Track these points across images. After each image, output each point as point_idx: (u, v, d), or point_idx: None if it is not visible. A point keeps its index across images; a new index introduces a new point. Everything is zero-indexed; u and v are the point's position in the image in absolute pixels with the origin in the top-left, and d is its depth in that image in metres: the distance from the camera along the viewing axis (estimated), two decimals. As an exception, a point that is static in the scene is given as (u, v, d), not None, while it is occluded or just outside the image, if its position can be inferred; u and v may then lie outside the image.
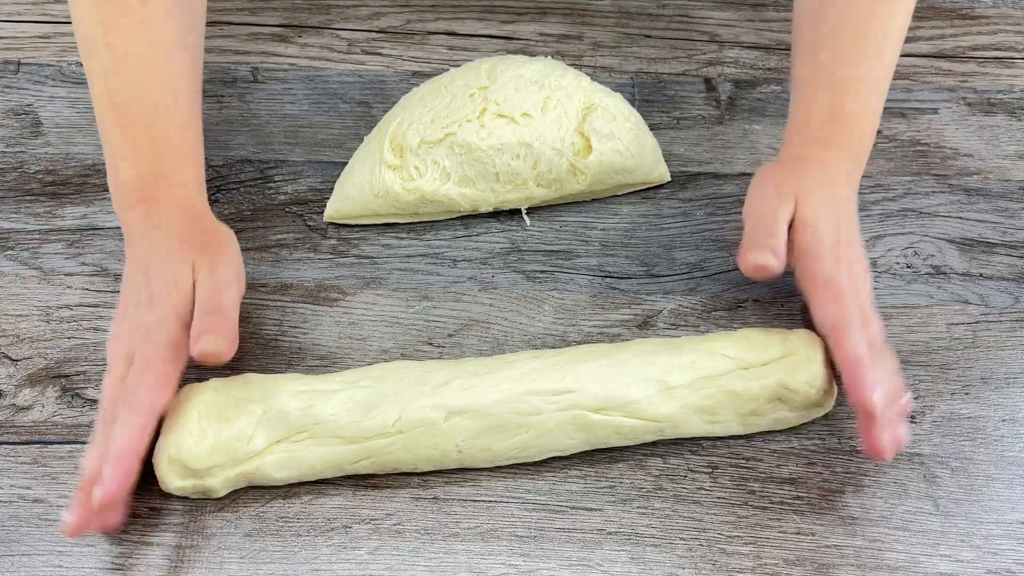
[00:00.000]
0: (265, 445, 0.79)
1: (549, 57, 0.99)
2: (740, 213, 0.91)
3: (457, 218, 0.97)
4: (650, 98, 1.06)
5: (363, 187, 0.94)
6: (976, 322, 0.91)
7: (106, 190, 0.96)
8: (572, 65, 1.08)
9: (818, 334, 0.84)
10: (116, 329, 0.83)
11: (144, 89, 0.87)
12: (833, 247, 0.85)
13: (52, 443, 0.84)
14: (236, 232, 0.94)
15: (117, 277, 0.92)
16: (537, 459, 0.82)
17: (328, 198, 0.97)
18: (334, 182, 0.98)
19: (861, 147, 0.91)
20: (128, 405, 0.78)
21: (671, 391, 0.82)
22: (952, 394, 0.87)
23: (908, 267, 0.95)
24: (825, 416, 0.85)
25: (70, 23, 1.07)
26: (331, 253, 0.95)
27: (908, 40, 1.09)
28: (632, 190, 0.99)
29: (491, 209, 0.96)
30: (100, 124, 0.88)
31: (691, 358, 0.83)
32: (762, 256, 0.85)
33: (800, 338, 0.84)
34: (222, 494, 0.80)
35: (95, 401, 0.85)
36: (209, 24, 1.06)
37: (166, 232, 0.85)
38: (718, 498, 0.82)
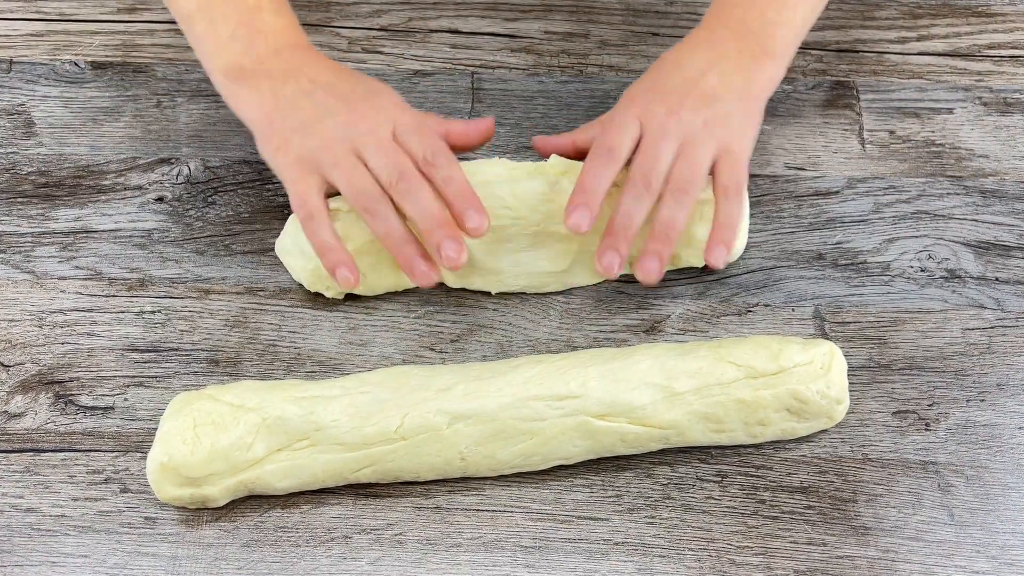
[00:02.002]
0: (265, 453, 0.79)
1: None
2: (749, 216, 0.91)
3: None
4: (657, 97, 1.07)
5: None
6: (992, 327, 0.92)
7: (100, 192, 0.97)
8: (576, 64, 1.09)
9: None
10: (307, 142, 0.89)
11: None
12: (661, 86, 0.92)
13: (45, 451, 0.84)
14: (233, 234, 0.95)
15: (112, 281, 0.93)
16: (542, 467, 0.83)
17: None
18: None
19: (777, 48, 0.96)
20: (437, 155, 0.88)
21: (677, 397, 0.82)
22: (967, 401, 0.88)
23: (922, 271, 0.95)
24: (836, 424, 0.85)
25: (63, 21, 1.09)
26: (331, 256, 0.95)
27: (922, 38, 1.10)
28: None
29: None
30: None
31: (698, 364, 0.83)
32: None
33: (818, 347, 0.84)
34: (222, 503, 0.81)
35: (89, 408, 0.86)
36: (206, 22, 1.06)
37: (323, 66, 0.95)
38: (727, 507, 0.82)
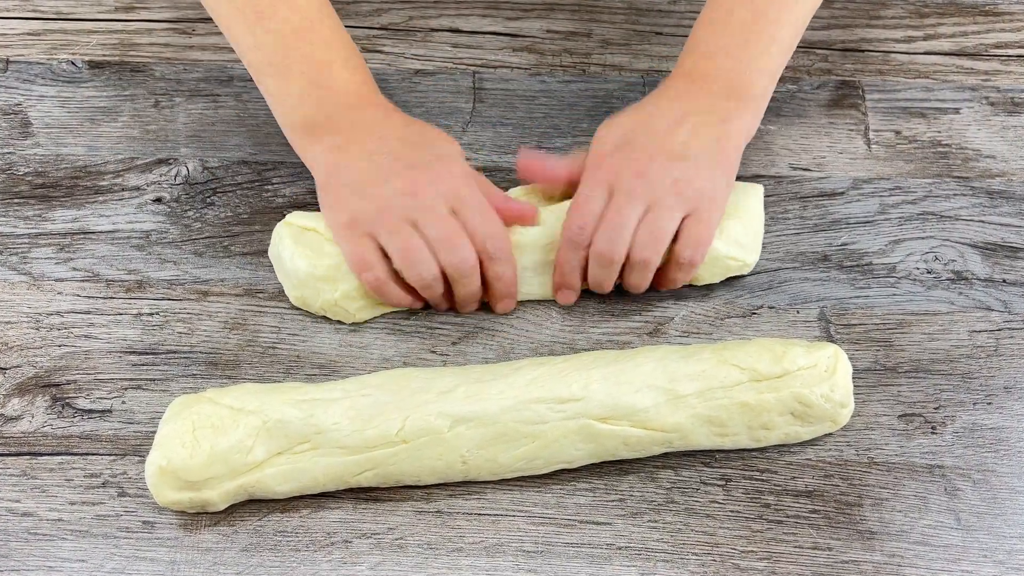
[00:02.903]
0: (265, 457, 0.80)
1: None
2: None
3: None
4: (661, 97, 1.07)
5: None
6: (999, 329, 0.92)
7: (97, 193, 0.97)
8: (579, 63, 1.09)
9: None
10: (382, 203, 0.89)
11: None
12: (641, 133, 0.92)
13: (42, 455, 0.84)
14: (232, 236, 0.95)
15: (109, 283, 0.93)
16: (544, 471, 0.83)
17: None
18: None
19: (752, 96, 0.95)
20: (498, 248, 0.89)
21: (680, 400, 0.82)
22: (974, 404, 0.88)
23: (928, 272, 0.95)
24: (841, 428, 0.86)
25: (60, 19, 1.09)
26: (331, 258, 0.96)
27: (929, 37, 1.10)
28: None
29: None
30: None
31: (701, 367, 0.83)
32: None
33: (822, 350, 0.85)
34: (222, 507, 0.81)
35: (86, 411, 0.86)
36: (205, 21, 1.07)
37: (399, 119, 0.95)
38: (731, 511, 0.83)
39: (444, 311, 0.93)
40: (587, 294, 0.94)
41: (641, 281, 0.90)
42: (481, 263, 0.89)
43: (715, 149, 0.90)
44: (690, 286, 0.94)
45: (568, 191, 0.93)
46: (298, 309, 0.92)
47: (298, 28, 0.92)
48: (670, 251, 0.89)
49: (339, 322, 0.92)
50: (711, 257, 0.91)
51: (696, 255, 0.89)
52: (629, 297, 0.93)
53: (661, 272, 0.91)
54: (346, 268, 0.90)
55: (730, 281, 0.94)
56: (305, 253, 0.90)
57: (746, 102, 0.93)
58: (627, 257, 0.89)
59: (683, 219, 0.88)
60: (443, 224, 0.88)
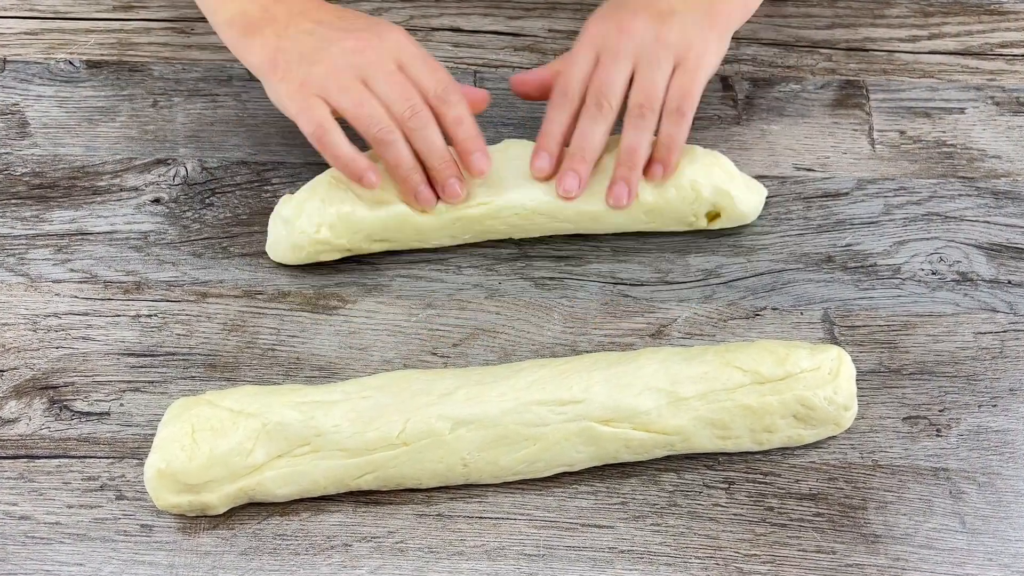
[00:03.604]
0: (265, 459, 0.80)
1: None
2: (759, 219, 0.92)
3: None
4: (663, 97, 1.07)
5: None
6: (1004, 331, 0.92)
7: (96, 193, 0.97)
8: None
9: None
10: (317, 69, 0.91)
11: None
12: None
13: (39, 458, 0.84)
14: (231, 236, 0.95)
15: (107, 284, 0.93)
16: (545, 474, 0.83)
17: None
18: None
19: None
20: (448, 91, 0.91)
21: (682, 403, 0.82)
22: (979, 406, 0.88)
23: (933, 274, 0.95)
24: (845, 430, 0.86)
25: (58, 19, 1.09)
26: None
27: (933, 36, 1.10)
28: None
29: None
30: None
31: (703, 369, 0.83)
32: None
33: (826, 353, 0.85)
34: (222, 511, 0.81)
35: (84, 414, 0.86)
36: (204, 20, 1.06)
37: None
38: (735, 515, 0.83)
39: (428, 204, 0.92)
40: (588, 296, 0.94)
41: (640, 138, 0.91)
42: (439, 117, 0.91)
43: (707, 9, 0.94)
44: (706, 231, 0.96)
45: None
46: (298, 311, 0.92)
47: None
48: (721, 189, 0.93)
49: (339, 323, 0.92)
50: (720, 189, 0.94)
51: (684, 103, 0.91)
52: (631, 298, 0.93)
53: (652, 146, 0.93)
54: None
55: (733, 282, 0.94)
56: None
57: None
58: (625, 114, 0.91)
59: (672, 72, 0.91)
60: (392, 78, 0.91)
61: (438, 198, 0.92)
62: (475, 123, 0.92)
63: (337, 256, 0.94)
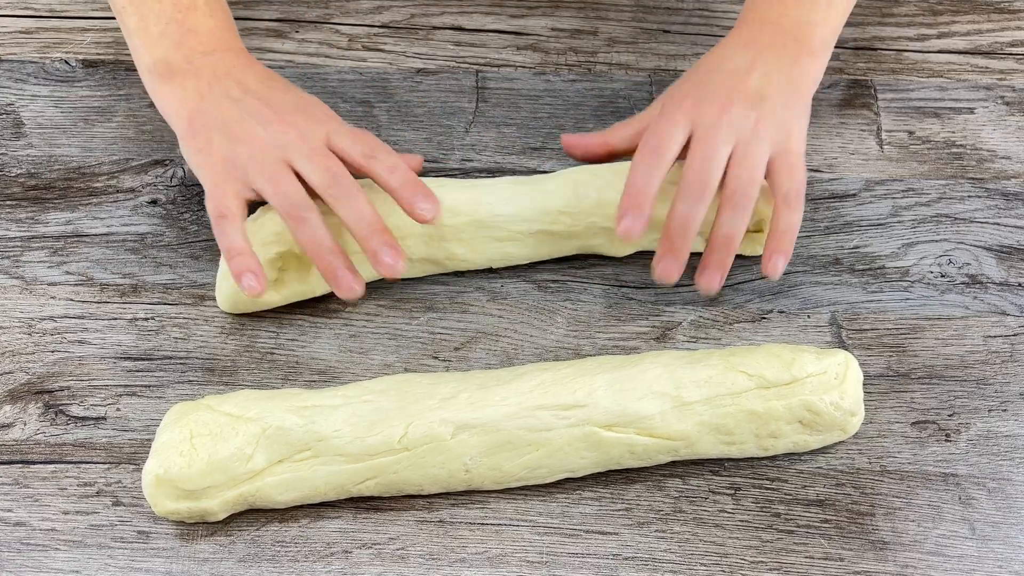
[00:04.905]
0: (265, 465, 0.80)
1: None
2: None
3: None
4: (668, 97, 1.07)
5: None
6: (1015, 334, 0.92)
7: (92, 195, 0.97)
8: (584, 62, 1.09)
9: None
10: (240, 150, 0.89)
11: None
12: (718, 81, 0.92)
13: (35, 463, 0.85)
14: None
15: (103, 287, 0.93)
16: (548, 480, 0.83)
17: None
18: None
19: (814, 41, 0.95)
20: (376, 149, 0.90)
21: (686, 407, 0.82)
22: (989, 411, 0.88)
23: (942, 276, 0.95)
24: (852, 436, 0.86)
25: (53, 17, 1.09)
26: (330, 261, 0.96)
27: (942, 35, 1.10)
28: None
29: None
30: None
31: (708, 373, 0.83)
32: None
33: (832, 357, 0.85)
34: (221, 517, 0.81)
35: (80, 418, 0.86)
36: (201, 19, 1.07)
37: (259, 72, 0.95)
38: (741, 521, 0.83)
39: (351, 293, 0.89)
40: (593, 299, 0.94)
41: (736, 224, 0.88)
42: (370, 175, 0.90)
43: (789, 90, 0.92)
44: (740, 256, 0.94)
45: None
46: (297, 313, 0.92)
47: None
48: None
49: (339, 327, 0.92)
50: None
51: (800, 187, 0.89)
52: (636, 300, 0.94)
53: (767, 238, 0.90)
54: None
55: (739, 285, 0.94)
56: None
57: (810, 54, 0.94)
58: (720, 198, 0.88)
59: (770, 159, 0.89)
60: (316, 154, 0.89)
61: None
62: (409, 169, 0.90)
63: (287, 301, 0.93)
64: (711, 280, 0.89)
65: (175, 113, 0.93)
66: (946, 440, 0.86)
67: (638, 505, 0.83)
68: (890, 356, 0.91)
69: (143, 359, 0.90)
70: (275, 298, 0.92)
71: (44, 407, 0.87)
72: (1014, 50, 1.11)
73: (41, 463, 0.85)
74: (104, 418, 0.87)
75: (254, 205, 0.91)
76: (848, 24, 1.11)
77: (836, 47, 1.09)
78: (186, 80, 0.92)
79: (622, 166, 0.92)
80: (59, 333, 0.91)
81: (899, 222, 0.98)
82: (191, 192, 0.99)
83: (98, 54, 1.09)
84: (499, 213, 0.92)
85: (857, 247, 0.97)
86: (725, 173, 0.87)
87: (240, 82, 0.92)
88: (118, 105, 1.05)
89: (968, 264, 0.96)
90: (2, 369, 0.89)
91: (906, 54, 1.10)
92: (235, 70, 0.93)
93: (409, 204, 0.88)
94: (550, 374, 0.83)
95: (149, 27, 0.93)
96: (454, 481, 0.82)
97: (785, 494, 0.84)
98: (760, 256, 0.90)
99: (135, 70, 1.05)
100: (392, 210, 0.90)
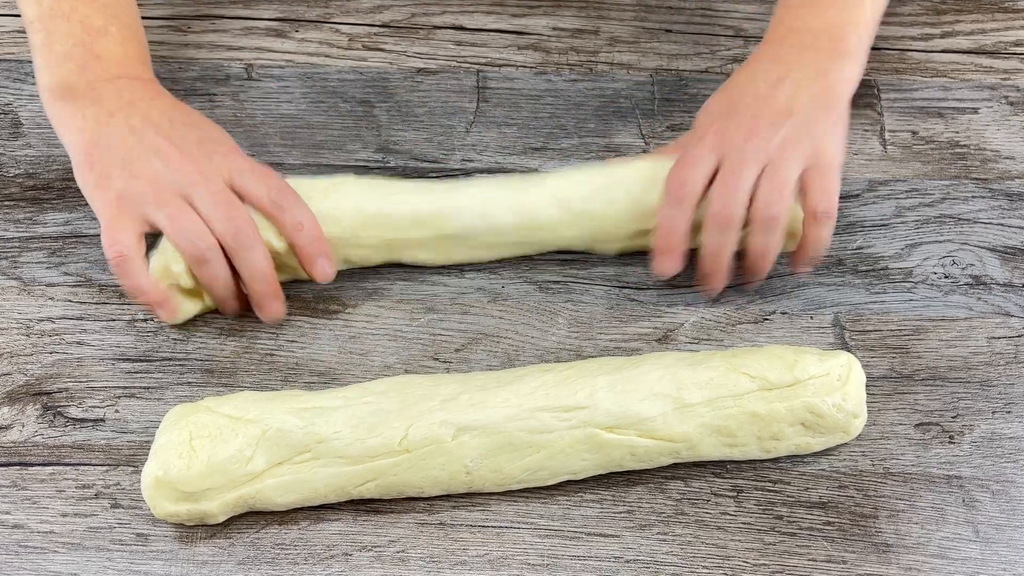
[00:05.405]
0: (265, 467, 0.80)
1: None
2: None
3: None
4: (671, 97, 1.07)
5: None
6: (1019, 336, 0.92)
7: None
8: (586, 62, 1.09)
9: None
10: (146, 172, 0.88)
11: None
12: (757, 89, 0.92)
13: (33, 465, 0.85)
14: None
15: (103, 288, 0.93)
16: (549, 483, 0.83)
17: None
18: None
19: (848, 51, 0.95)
20: (283, 195, 0.90)
21: (688, 409, 0.82)
22: (993, 413, 0.88)
23: (946, 277, 0.95)
24: (854, 438, 0.86)
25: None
26: (330, 262, 0.96)
27: (946, 35, 1.10)
28: None
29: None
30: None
31: (710, 375, 0.83)
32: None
33: (835, 358, 0.85)
34: (221, 519, 0.81)
35: (79, 420, 0.86)
36: (200, 18, 1.07)
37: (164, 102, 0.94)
38: (743, 524, 0.83)
39: (237, 314, 0.92)
40: (594, 300, 0.94)
41: (768, 243, 0.89)
42: (275, 223, 0.90)
43: (820, 102, 0.91)
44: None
45: None
46: (296, 315, 0.92)
47: None
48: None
49: (339, 328, 0.92)
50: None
51: (830, 204, 0.89)
52: (638, 302, 0.94)
53: (797, 248, 0.92)
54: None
55: (742, 286, 0.94)
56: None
57: (845, 55, 0.94)
58: (749, 220, 0.89)
59: (802, 174, 0.89)
60: (218, 196, 0.88)
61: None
62: (316, 223, 0.90)
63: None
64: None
65: (72, 140, 0.91)
66: (950, 442, 0.86)
67: (640, 507, 0.83)
68: (893, 357, 0.91)
69: (142, 360, 0.90)
70: (195, 308, 0.92)
71: (42, 409, 0.87)
72: (1018, 50, 1.11)
73: (39, 465, 0.85)
74: (103, 420, 0.87)
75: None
76: (851, 23, 1.12)
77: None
78: (86, 106, 0.91)
79: (611, 173, 0.93)
80: (57, 334, 0.91)
81: (902, 223, 0.98)
82: (190, 192, 0.99)
83: (97, 54, 1.09)
84: (471, 225, 0.93)
85: (860, 248, 0.97)
86: (754, 195, 0.88)
87: (143, 113, 0.91)
88: (117, 105, 1.05)
89: (972, 265, 0.96)
90: (0, 371, 0.89)
91: (910, 54, 1.10)
92: (139, 100, 0.92)
93: (310, 263, 0.91)
94: (551, 375, 0.83)
95: (54, 46, 0.92)
96: (455, 483, 0.82)
97: (787, 496, 0.84)
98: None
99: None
100: (342, 217, 0.92)
